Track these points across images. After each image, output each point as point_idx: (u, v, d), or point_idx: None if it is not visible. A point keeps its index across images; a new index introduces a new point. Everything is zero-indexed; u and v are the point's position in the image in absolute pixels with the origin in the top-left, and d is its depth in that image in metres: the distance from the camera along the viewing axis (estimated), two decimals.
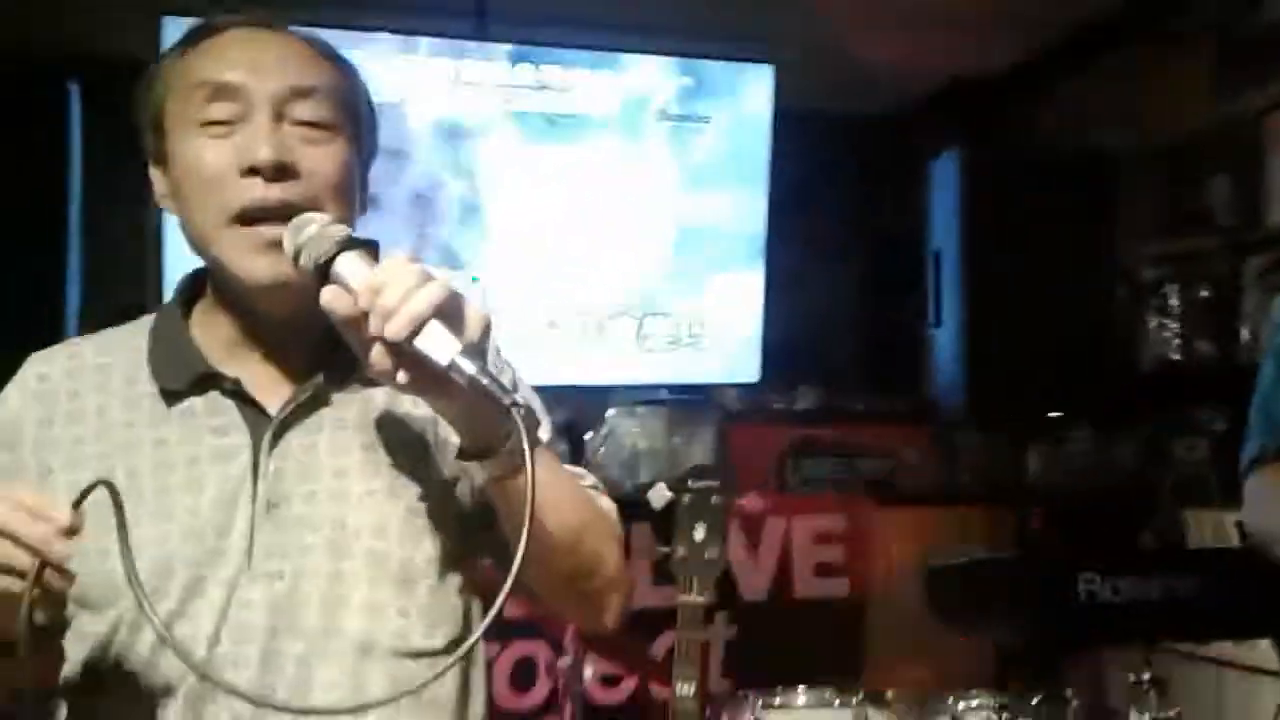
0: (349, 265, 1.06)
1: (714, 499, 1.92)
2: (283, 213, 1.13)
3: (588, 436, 3.64)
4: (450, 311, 1.02)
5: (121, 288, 3.31)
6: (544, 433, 1.26)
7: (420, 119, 3.47)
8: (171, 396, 1.19)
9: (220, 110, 1.14)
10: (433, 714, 1.18)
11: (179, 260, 1.32)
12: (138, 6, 3.02)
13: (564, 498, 1.20)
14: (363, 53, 2.53)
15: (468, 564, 1.24)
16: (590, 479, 1.35)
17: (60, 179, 3.10)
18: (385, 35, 3.41)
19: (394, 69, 3.40)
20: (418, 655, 1.17)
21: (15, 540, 0.92)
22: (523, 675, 3.24)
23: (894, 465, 3.96)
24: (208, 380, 1.19)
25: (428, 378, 1.04)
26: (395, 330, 0.99)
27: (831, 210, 4.46)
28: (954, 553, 2.92)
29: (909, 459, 3.95)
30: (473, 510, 1.22)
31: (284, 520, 1.15)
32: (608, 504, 1.32)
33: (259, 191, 1.13)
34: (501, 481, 1.10)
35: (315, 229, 1.10)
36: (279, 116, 1.15)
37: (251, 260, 1.14)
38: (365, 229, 1.19)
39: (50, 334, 3.00)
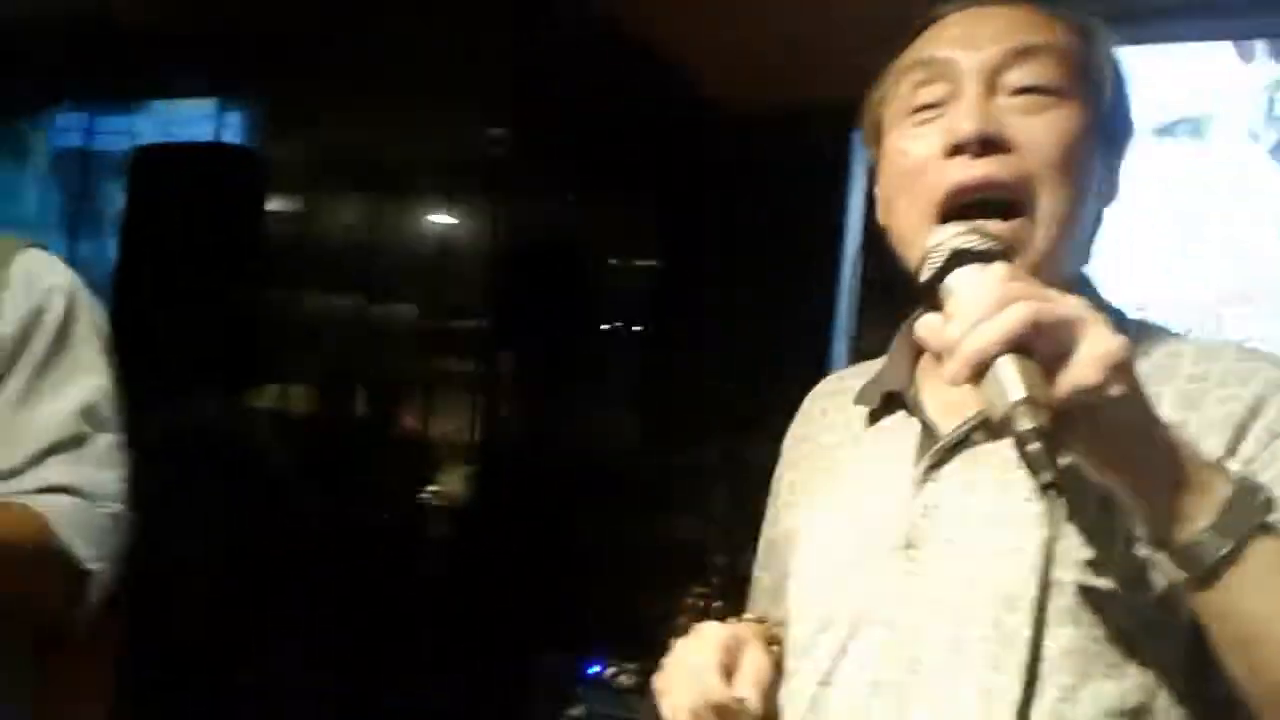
0: (958, 284, 0.85)
1: None
2: (989, 195, 0.95)
3: None
4: (1048, 347, 0.74)
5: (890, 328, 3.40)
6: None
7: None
8: (871, 415, 1.08)
9: (928, 93, 1.02)
10: None
11: None
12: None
13: None
14: None
15: None
16: None
17: (837, 222, 3.30)
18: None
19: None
20: None
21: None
22: None
23: None
24: (894, 397, 1.07)
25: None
26: (950, 373, 0.77)
27: None
28: None
29: None
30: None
31: (918, 565, 0.96)
32: None
33: (960, 172, 0.97)
34: (1194, 592, 0.76)
35: (948, 233, 0.90)
36: (992, 88, 0.99)
37: None
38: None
39: (821, 366, 3.26)
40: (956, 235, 0.88)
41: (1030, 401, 0.72)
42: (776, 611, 1.13)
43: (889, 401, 1.06)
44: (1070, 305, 0.76)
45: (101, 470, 1.21)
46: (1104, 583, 0.86)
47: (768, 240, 3.46)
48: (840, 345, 3.33)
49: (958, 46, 1.00)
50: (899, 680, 0.92)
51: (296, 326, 4.32)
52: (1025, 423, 0.72)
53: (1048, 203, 0.95)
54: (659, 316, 3.95)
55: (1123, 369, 0.74)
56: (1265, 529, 0.74)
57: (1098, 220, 1.05)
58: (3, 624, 1.17)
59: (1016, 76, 0.98)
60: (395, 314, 4.60)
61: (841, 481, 1.06)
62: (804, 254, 3.36)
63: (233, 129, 4.09)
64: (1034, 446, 0.72)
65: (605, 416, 4.14)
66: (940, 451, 0.98)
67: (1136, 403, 0.75)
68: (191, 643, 2.96)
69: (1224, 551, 0.72)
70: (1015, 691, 0.86)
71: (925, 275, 0.88)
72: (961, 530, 0.93)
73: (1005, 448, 0.86)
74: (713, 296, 3.63)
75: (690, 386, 3.64)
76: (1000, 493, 0.92)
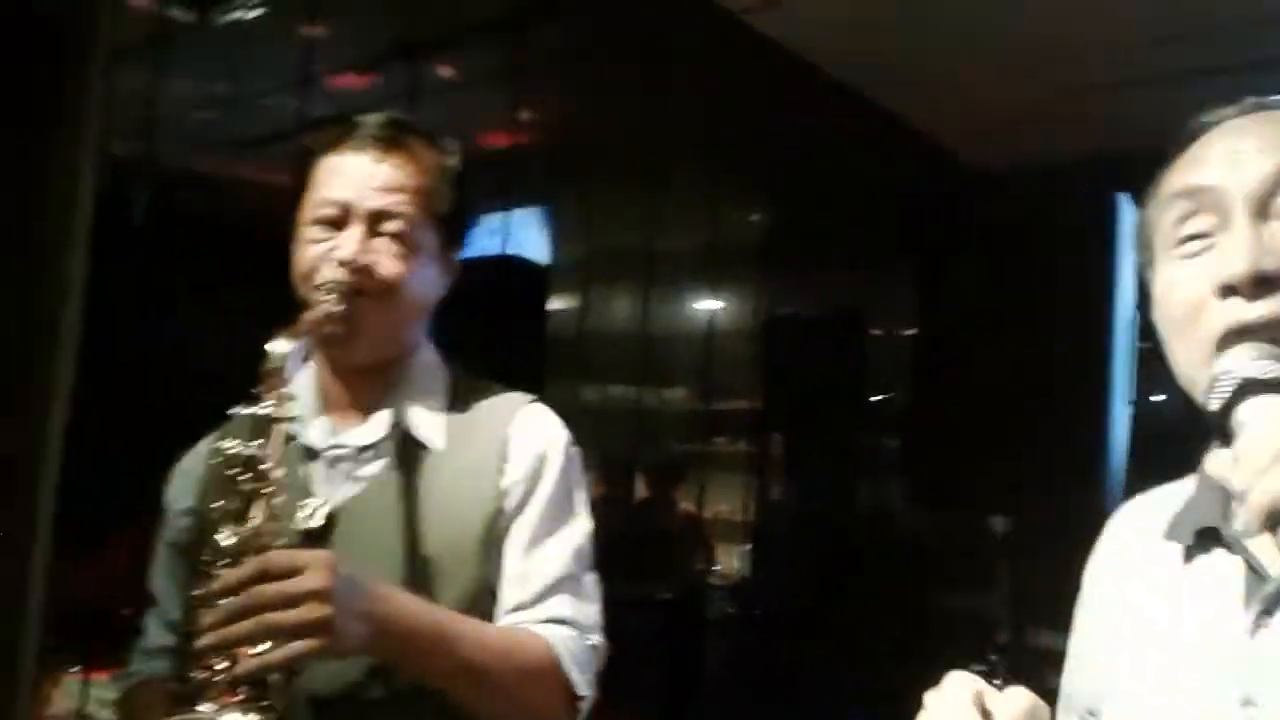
0: (1248, 417, 0.80)
1: None
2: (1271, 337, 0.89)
3: None
4: None
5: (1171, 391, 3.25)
6: None
7: None
8: (1187, 552, 1.01)
9: (1194, 224, 0.95)
10: None
11: None
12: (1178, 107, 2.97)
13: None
14: None
15: None
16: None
17: (1106, 280, 3.19)
18: None
19: None
20: None
21: None
22: None
23: None
24: (1208, 535, 0.99)
25: None
26: (1244, 523, 0.75)
27: None
28: None
29: None
30: None
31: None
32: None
33: (1235, 315, 0.90)
34: None
35: (1236, 361, 0.85)
36: (1263, 213, 0.92)
37: None
38: None
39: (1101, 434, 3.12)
40: (1247, 361, 0.85)
41: None
42: None
43: (1203, 537, 0.99)
44: None
45: (588, 604, 1.31)
46: None
47: (1034, 303, 3.36)
48: (1120, 409, 3.17)
49: (1222, 169, 0.94)
50: None
51: (579, 415, 4.57)
52: None
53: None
54: (923, 385, 3.90)
55: None
56: None
57: None
58: None
59: None
60: (669, 399, 4.78)
61: (1161, 624, 0.99)
62: (1073, 315, 3.24)
63: (516, 237, 4.42)
64: None
65: (874, 488, 4.11)
66: (1272, 596, 0.90)
67: None
68: None
69: None
70: None
71: (1214, 405, 0.85)
72: None
73: None
74: (981, 361, 3.55)
75: (960, 456, 3.56)
76: None
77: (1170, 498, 1.06)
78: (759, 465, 4.70)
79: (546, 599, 1.28)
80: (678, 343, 4.53)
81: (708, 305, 5.41)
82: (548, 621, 1.27)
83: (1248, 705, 0.86)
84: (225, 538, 1.12)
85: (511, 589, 1.27)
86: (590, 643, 1.30)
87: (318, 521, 1.21)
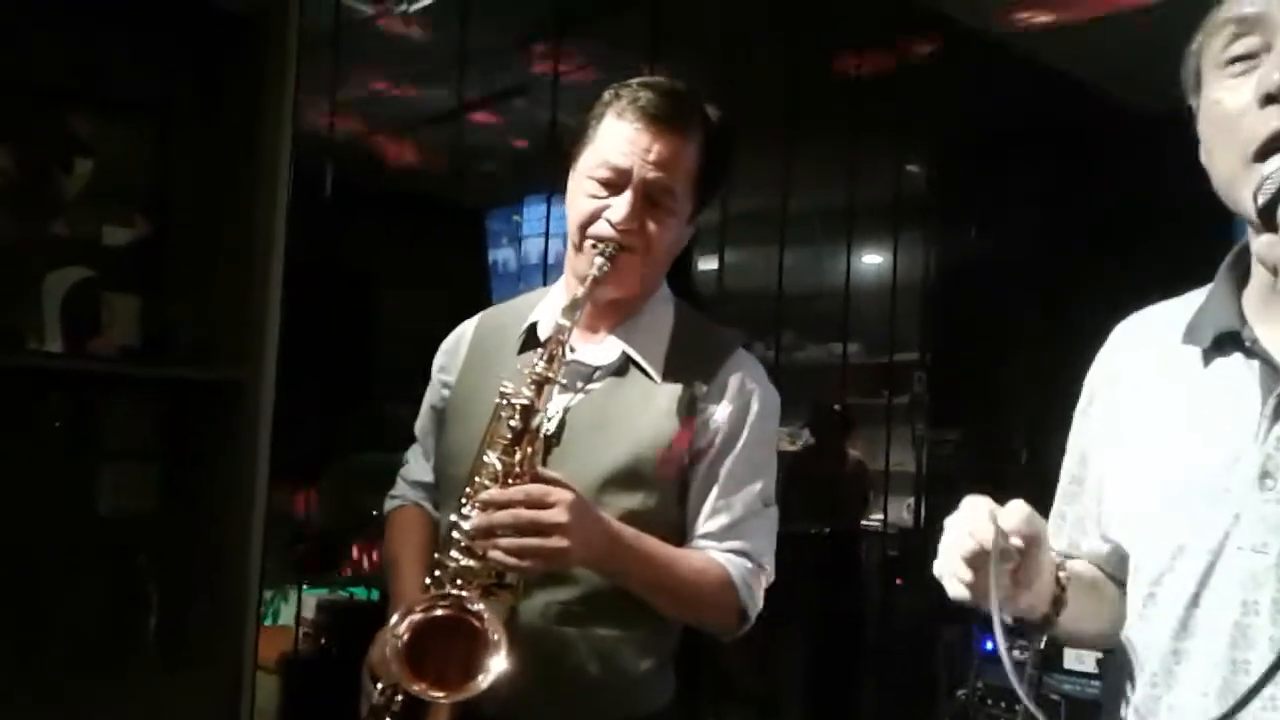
0: None
1: None
2: None
3: None
4: None
5: None
6: None
7: None
8: (1204, 355, 1.10)
9: (1241, 46, 1.03)
10: None
11: None
12: None
13: None
14: None
15: None
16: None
17: None
18: None
19: None
20: None
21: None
22: None
23: None
24: (1228, 339, 1.08)
25: None
26: None
27: None
28: None
29: None
30: None
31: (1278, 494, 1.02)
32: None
33: (1276, 121, 0.99)
34: None
35: None
36: None
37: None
38: None
39: None
40: None
41: None
42: (1086, 542, 1.21)
43: (1221, 341, 1.08)
44: None
45: (765, 539, 1.50)
46: None
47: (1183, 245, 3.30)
48: None
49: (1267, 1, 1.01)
50: (1274, 599, 0.97)
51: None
52: None
53: None
54: (1071, 334, 3.86)
55: None
56: None
57: None
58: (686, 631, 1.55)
59: None
60: (836, 352, 4.87)
61: (1177, 420, 1.08)
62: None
63: None
64: None
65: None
66: None
67: None
68: None
69: None
70: None
71: (1261, 201, 0.95)
72: None
73: None
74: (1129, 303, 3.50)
75: None
76: None
77: (1173, 311, 1.15)
78: (921, 415, 4.76)
79: (732, 533, 1.48)
80: (852, 298, 4.60)
81: (874, 259, 5.49)
82: (730, 552, 1.47)
83: (1265, 478, 0.98)
84: (493, 460, 1.37)
85: (705, 520, 1.48)
86: (763, 573, 1.50)
87: (552, 429, 1.44)
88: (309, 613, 3.19)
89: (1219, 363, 1.07)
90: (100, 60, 2.12)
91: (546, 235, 4.21)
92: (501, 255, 5.82)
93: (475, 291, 5.39)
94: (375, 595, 3.27)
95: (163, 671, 2.10)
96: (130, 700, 1.97)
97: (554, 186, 2.18)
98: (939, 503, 4.30)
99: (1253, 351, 1.04)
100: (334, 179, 2.88)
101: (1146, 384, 1.14)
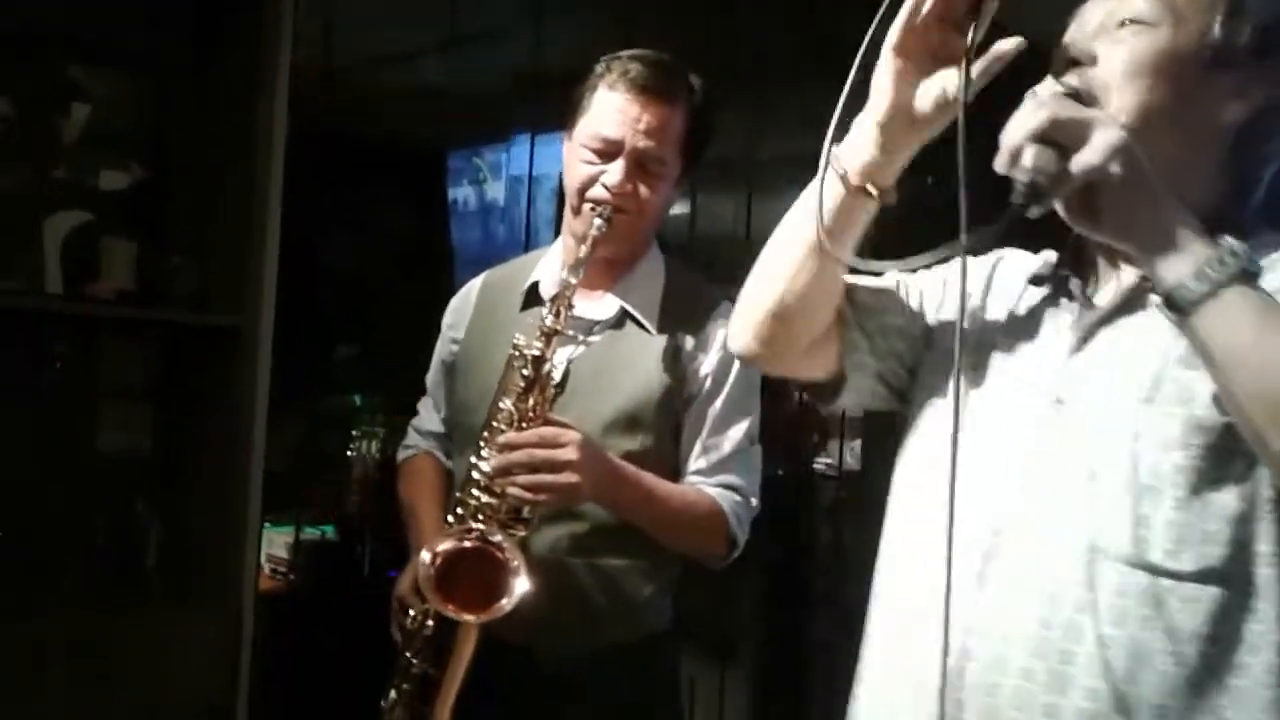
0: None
1: None
2: None
3: None
4: (1066, 138, 0.91)
5: None
6: None
7: None
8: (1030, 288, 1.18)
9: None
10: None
11: None
12: None
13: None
14: None
15: None
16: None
17: None
18: None
19: None
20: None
21: None
22: None
23: None
24: (1048, 275, 1.17)
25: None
26: (998, 164, 0.93)
27: None
28: None
29: None
30: None
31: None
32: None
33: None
34: (1183, 328, 0.92)
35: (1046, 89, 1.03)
36: None
37: None
38: None
39: None
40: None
41: (1036, 170, 0.89)
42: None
43: (1043, 276, 1.16)
44: (1089, 112, 0.93)
45: (751, 474, 1.64)
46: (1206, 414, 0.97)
47: None
48: None
49: None
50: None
51: None
52: (1021, 177, 0.90)
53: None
54: None
55: (1122, 154, 0.89)
56: (1240, 281, 0.89)
57: None
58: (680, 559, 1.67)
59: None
60: None
61: (1000, 352, 1.14)
62: None
63: None
64: (1021, 189, 0.89)
65: None
66: (1092, 324, 1.07)
67: (1135, 181, 0.90)
68: None
69: (1197, 295, 0.88)
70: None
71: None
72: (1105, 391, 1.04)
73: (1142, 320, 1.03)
74: None
75: None
76: (1135, 362, 1.02)
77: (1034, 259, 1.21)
78: None
79: (721, 469, 1.62)
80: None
81: None
82: (719, 486, 1.61)
83: (1058, 404, 1.05)
84: (508, 406, 1.49)
85: (696, 458, 1.62)
86: (750, 505, 1.64)
87: (558, 378, 1.56)
88: (279, 551, 3.27)
89: (1038, 295, 1.16)
90: (99, 6, 2.15)
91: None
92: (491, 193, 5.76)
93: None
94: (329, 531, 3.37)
95: (162, 605, 2.18)
96: (130, 632, 2.04)
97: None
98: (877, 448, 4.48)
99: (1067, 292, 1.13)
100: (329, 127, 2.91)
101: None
